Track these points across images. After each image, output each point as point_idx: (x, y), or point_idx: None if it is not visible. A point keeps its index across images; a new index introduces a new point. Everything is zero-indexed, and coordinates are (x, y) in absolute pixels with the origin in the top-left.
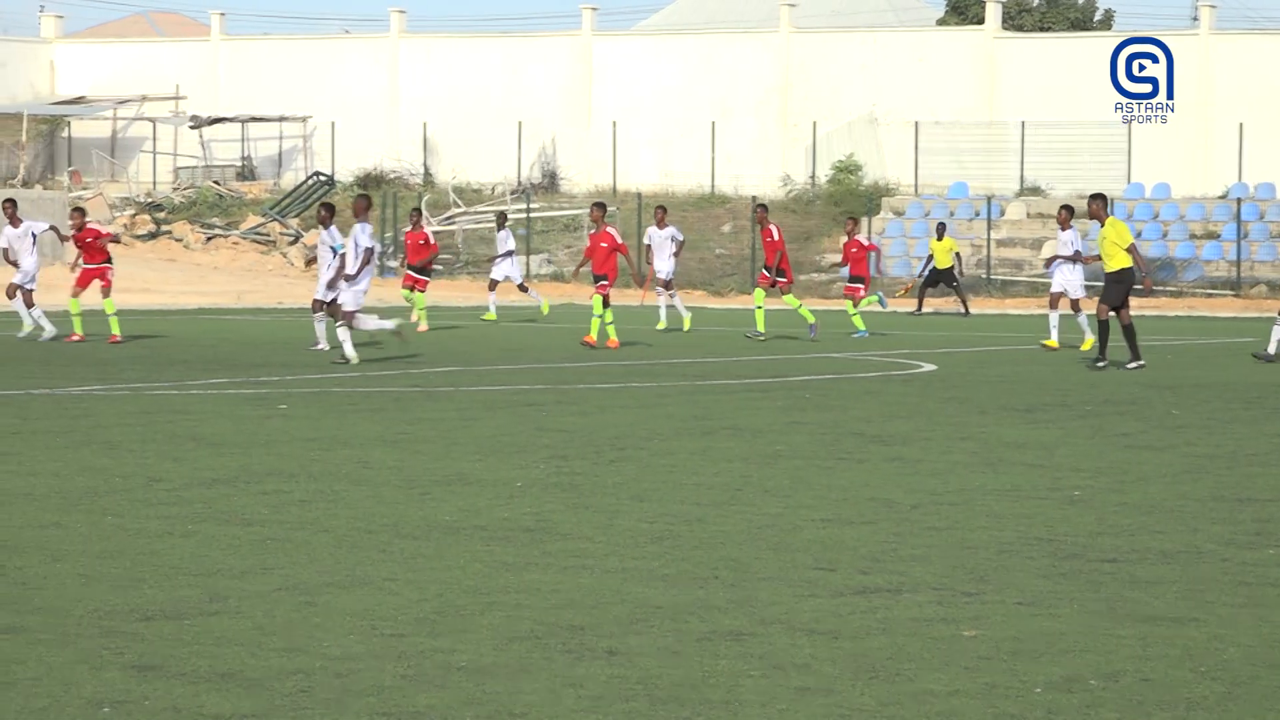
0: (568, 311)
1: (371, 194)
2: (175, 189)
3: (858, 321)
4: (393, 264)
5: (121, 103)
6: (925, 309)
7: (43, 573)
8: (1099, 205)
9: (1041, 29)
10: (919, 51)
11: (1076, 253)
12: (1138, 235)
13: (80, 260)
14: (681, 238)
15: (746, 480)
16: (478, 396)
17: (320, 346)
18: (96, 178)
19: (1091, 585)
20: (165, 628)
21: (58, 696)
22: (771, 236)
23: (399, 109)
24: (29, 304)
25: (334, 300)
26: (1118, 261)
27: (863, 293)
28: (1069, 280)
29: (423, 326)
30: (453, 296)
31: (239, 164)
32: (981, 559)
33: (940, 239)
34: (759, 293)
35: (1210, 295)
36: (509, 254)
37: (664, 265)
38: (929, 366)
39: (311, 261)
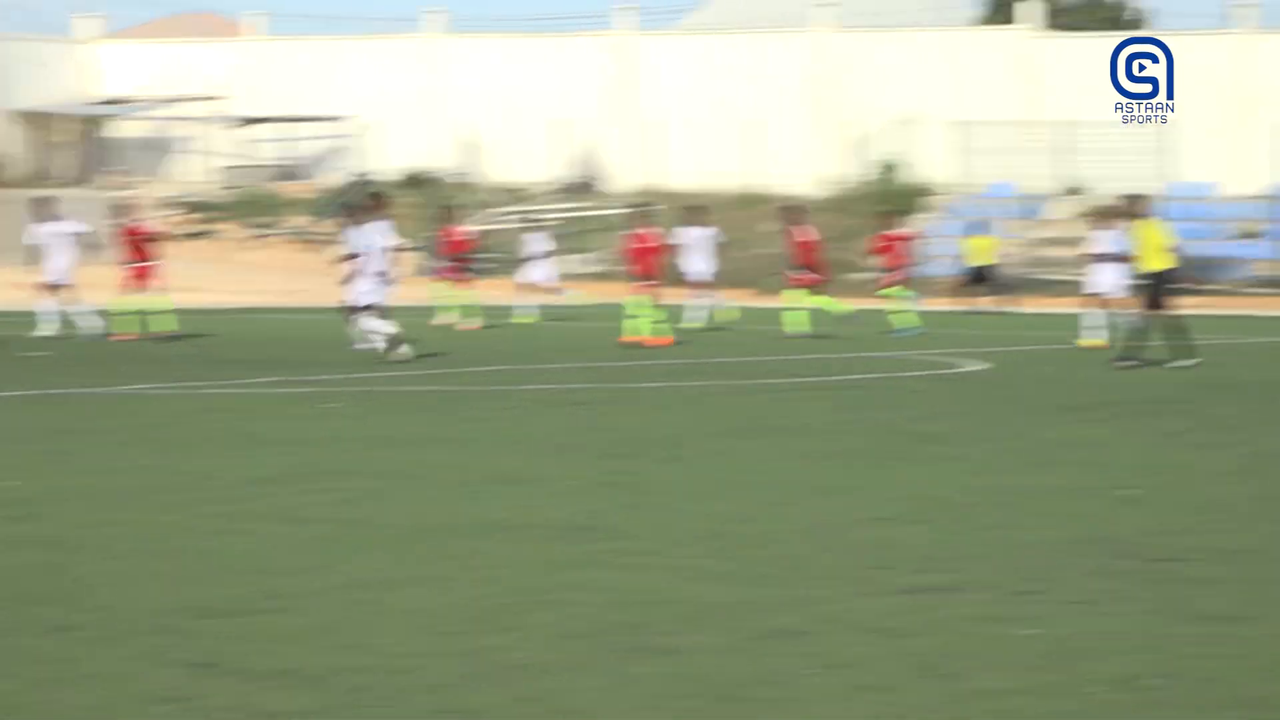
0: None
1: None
2: (219, 189)
3: (902, 320)
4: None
5: (164, 102)
6: (969, 308)
7: (99, 571)
8: (1136, 205)
9: (1080, 28)
10: (958, 50)
11: (1111, 253)
12: (1177, 235)
13: (128, 258)
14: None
15: (800, 479)
16: (530, 396)
17: (368, 346)
18: (139, 178)
19: (1147, 584)
20: (222, 625)
21: (115, 694)
22: (803, 237)
23: (442, 108)
24: (66, 302)
25: (371, 300)
26: (1155, 262)
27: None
28: (1108, 280)
29: (474, 325)
30: (499, 296)
31: (282, 164)
32: (1036, 558)
33: (978, 237)
34: (800, 294)
35: (1257, 294)
36: (543, 255)
37: (700, 265)
38: (977, 365)
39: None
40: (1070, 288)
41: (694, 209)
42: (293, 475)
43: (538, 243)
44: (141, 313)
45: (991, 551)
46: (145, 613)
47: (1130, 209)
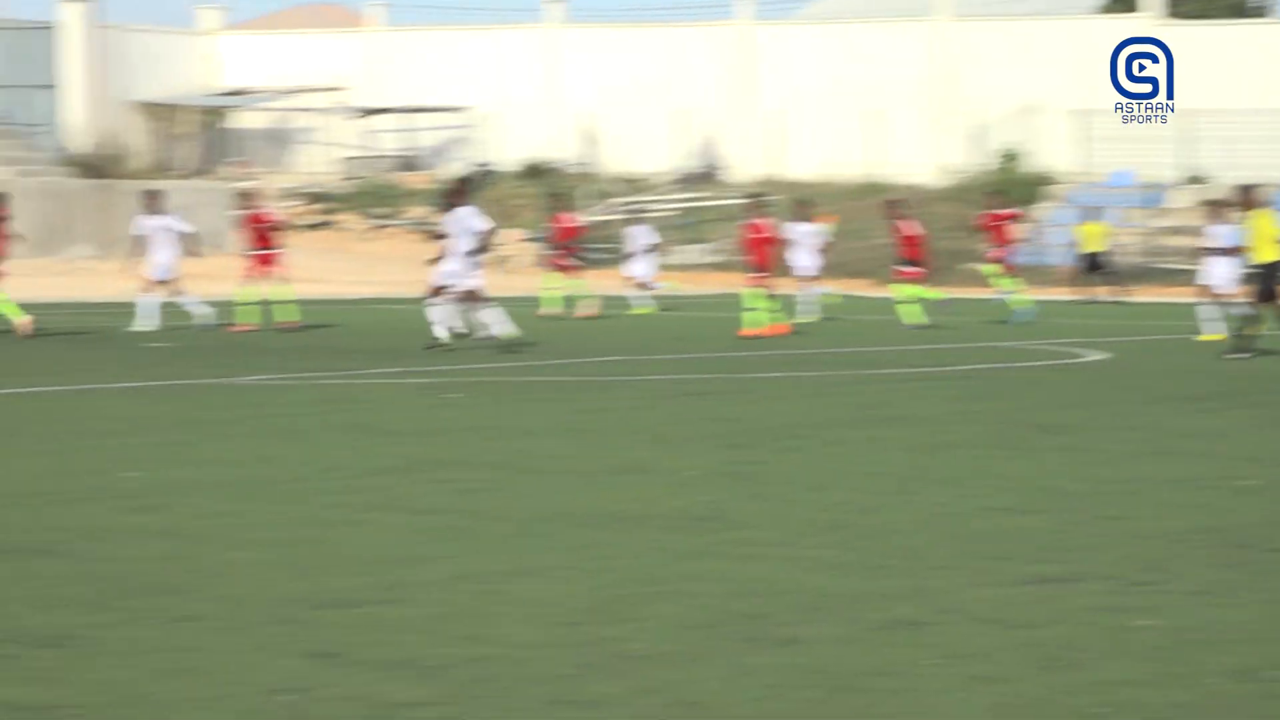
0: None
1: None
2: (339, 180)
3: (1017, 302)
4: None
5: (285, 94)
6: (1086, 297)
7: (221, 561)
8: (1250, 195)
9: (1202, 16)
10: (1079, 39)
11: (1225, 247)
12: None
13: (251, 246)
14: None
15: (918, 469)
16: (648, 386)
17: (489, 333)
18: (260, 169)
19: (1266, 575)
20: (342, 616)
21: (236, 684)
22: (907, 230)
23: (561, 99)
24: (171, 295)
25: (469, 286)
26: (1267, 253)
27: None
28: (1221, 274)
29: (591, 310)
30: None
31: (402, 155)
32: (1154, 548)
33: (1090, 223)
34: (908, 287)
35: None
36: (647, 249)
37: (806, 260)
38: (1095, 355)
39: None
40: (1189, 277)
41: (802, 203)
42: (412, 466)
43: (641, 236)
44: (264, 303)
45: (1110, 542)
46: (266, 603)
47: (1244, 199)
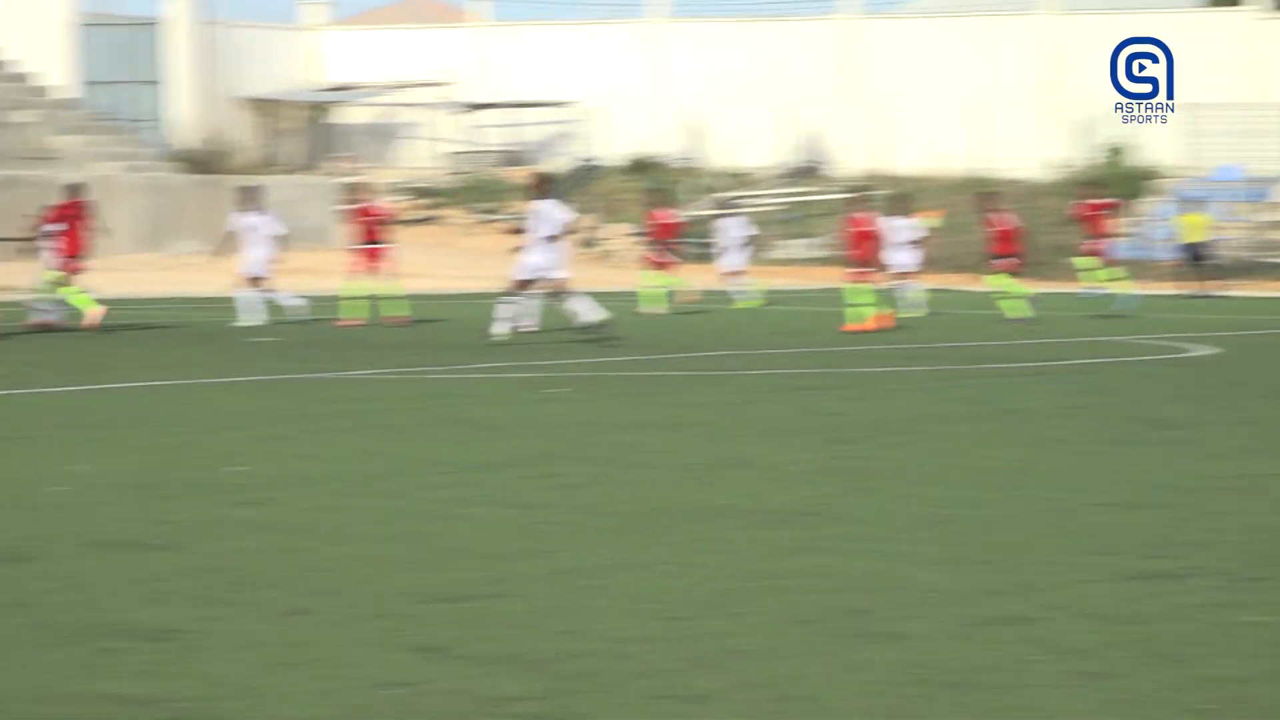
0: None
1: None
2: (444, 174)
3: (1120, 288)
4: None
5: (390, 89)
6: (1192, 291)
7: (327, 555)
8: None
9: None
10: (1185, 33)
11: None
12: None
13: (360, 240)
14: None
15: (1025, 464)
16: (752, 380)
17: (584, 321)
18: (365, 164)
19: None
20: (447, 610)
21: (343, 678)
22: (1001, 223)
23: (666, 93)
24: (265, 290)
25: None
26: None
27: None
28: None
29: (688, 298)
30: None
31: (507, 150)
32: (1267, 544)
33: (1190, 214)
34: (1003, 280)
35: None
36: (741, 242)
37: (904, 255)
38: (1203, 350)
39: (590, 244)
40: None
41: (899, 198)
42: (518, 460)
43: (736, 228)
44: (371, 298)
45: (1221, 537)
46: (372, 597)
47: None
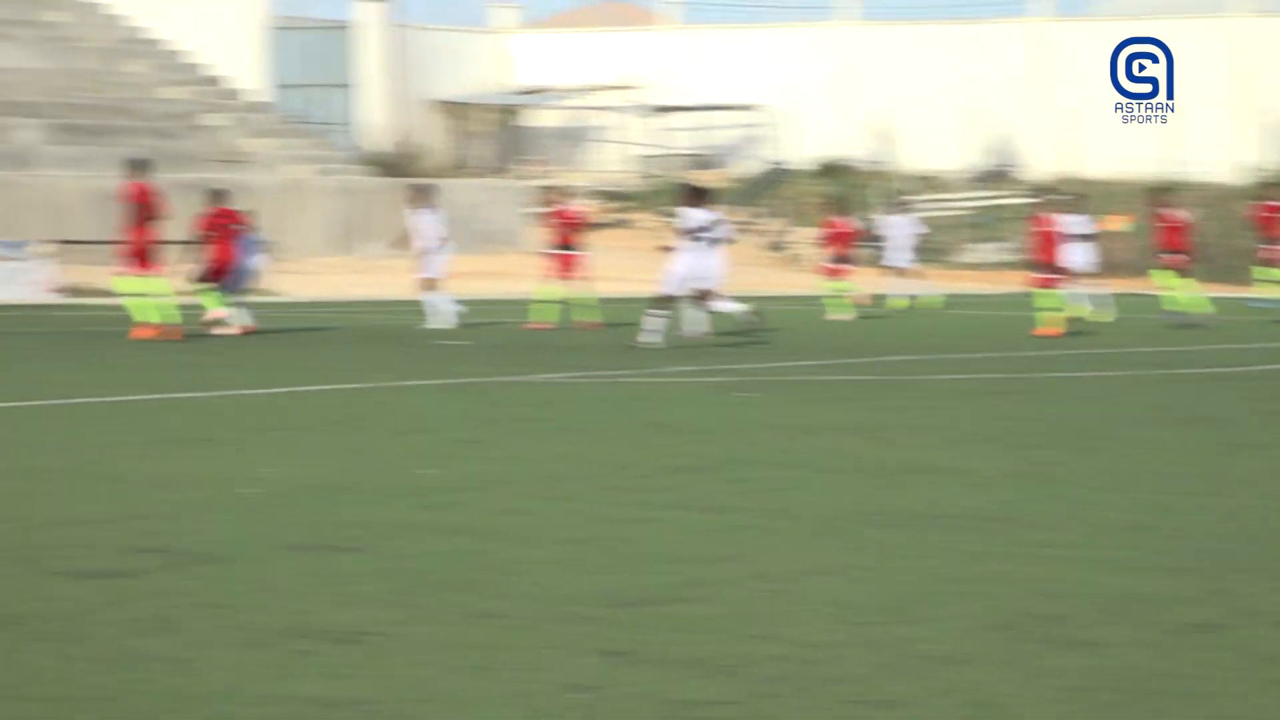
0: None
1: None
2: (634, 178)
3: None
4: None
5: (578, 92)
6: None
7: (516, 558)
8: None
9: None
10: None
11: None
12: None
13: (555, 244)
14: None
15: (1218, 470)
16: (944, 385)
17: (746, 318)
18: (554, 167)
19: None
20: (637, 614)
21: (532, 681)
22: (1171, 220)
23: (855, 97)
24: (429, 290)
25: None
26: None
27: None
28: None
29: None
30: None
31: (696, 153)
32: None
33: None
34: (1170, 277)
35: None
36: (910, 240)
37: (1079, 256)
38: None
39: (778, 248)
40: None
41: (1073, 198)
42: (707, 464)
43: (904, 227)
44: (564, 302)
45: None
46: (562, 601)
47: None
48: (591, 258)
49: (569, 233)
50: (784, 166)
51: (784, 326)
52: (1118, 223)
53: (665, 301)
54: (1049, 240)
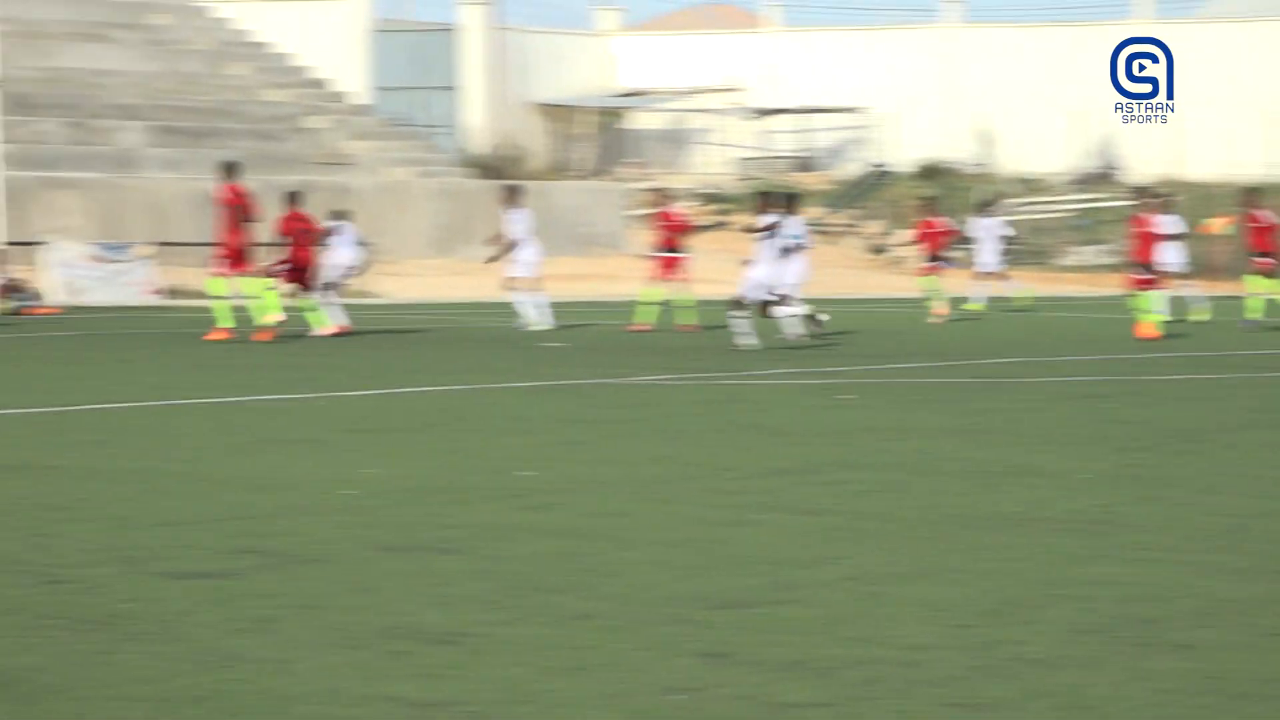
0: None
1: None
2: (735, 180)
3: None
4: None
5: (680, 94)
6: None
7: (613, 560)
8: None
9: None
10: None
11: None
12: None
13: (659, 246)
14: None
15: None
16: (1042, 387)
17: (816, 320)
18: (656, 169)
19: None
20: (733, 616)
21: (629, 682)
22: (1258, 222)
23: (957, 99)
24: (509, 289)
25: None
26: None
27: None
28: None
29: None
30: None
31: (798, 155)
32: None
33: None
34: (1260, 281)
35: None
36: (998, 241)
37: (1169, 255)
38: None
39: (880, 251)
40: None
41: (1158, 198)
42: (804, 467)
43: (994, 229)
44: (665, 304)
45: None
46: (658, 602)
47: None
48: (692, 261)
49: (673, 235)
50: (885, 169)
51: (882, 329)
52: (1219, 225)
53: (742, 305)
54: (1147, 241)
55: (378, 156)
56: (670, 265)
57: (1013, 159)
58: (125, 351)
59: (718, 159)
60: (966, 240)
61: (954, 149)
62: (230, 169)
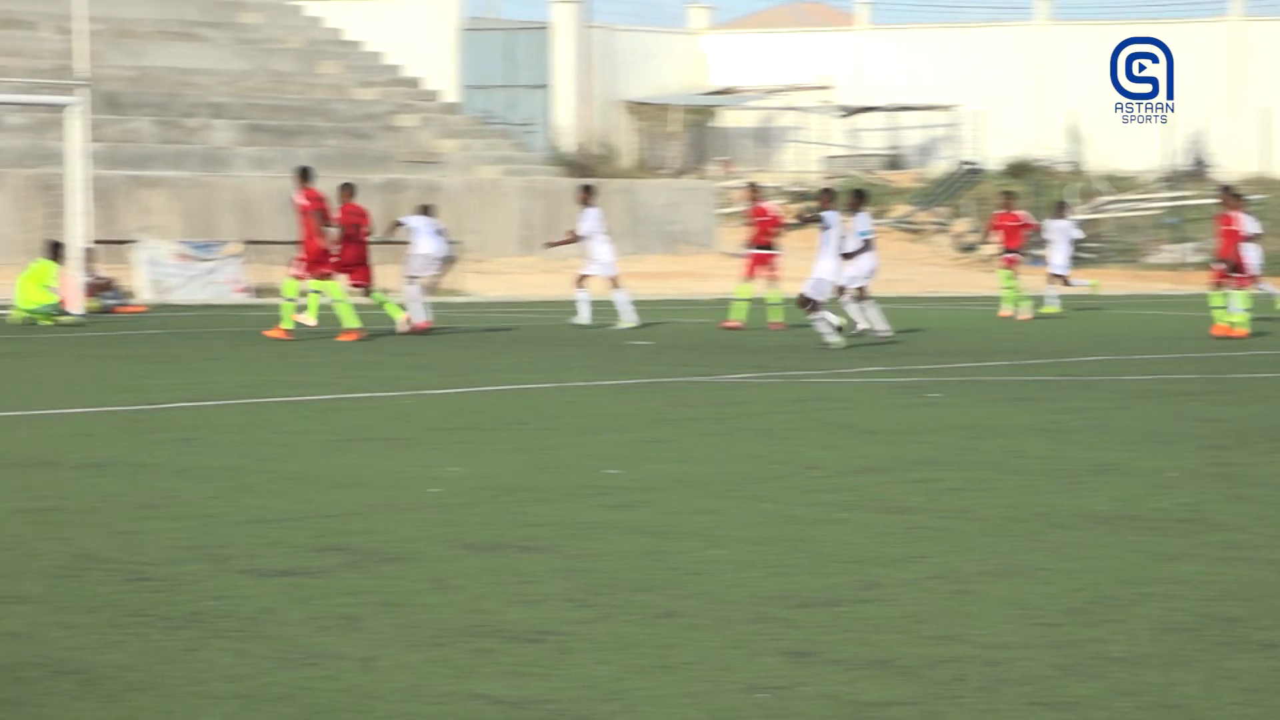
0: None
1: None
2: (824, 178)
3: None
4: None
5: (770, 92)
6: None
7: (699, 558)
8: None
9: None
10: None
11: None
12: None
13: (752, 243)
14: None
15: None
16: (1129, 385)
17: (870, 329)
18: (746, 167)
19: None
20: (819, 614)
21: (714, 680)
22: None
23: (1047, 97)
24: (580, 286)
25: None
26: None
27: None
28: None
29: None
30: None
31: (887, 153)
32: None
33: None
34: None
35: None
36: (1066, 243)
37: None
38: None
39: (970, 249)
40: None
41: (1239, 197)
42: (890, 465)
43: (1064, 230)
44: (758, 302)
45: None
46: (744, 600)
47: None
48: (783, 258)
49: (766, 232)
50: (975, 167)
51: (969, 327)
52: None
53: (810, 303)
54: (1231, 240)
55: (467, 155)
56: (763, 262)
57: (1103, 156)
58: (213, 350)
59: (807, 157)
60: (1042, 239)
61: (1044, 147)
62: (305, 174)
